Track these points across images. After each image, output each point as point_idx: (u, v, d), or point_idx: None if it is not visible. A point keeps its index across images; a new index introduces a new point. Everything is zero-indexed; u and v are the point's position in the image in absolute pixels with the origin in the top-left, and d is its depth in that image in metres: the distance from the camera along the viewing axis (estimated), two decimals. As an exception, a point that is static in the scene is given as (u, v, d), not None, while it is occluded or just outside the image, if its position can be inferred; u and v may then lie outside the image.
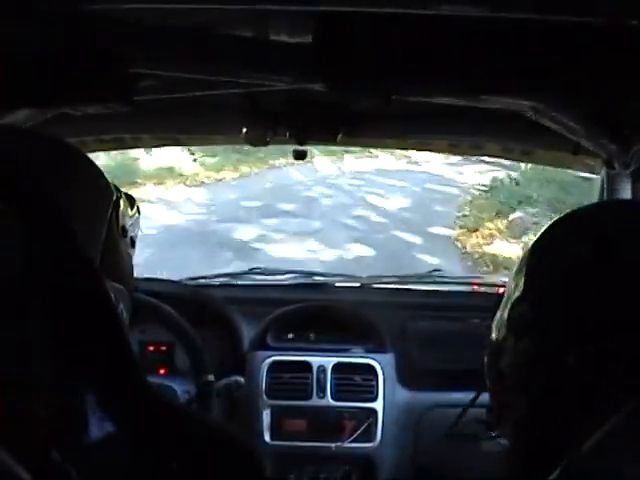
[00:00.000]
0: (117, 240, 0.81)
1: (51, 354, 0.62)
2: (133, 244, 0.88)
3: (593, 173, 1.77)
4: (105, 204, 0.80)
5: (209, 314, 2.12)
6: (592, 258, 0.77)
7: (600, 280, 0.75)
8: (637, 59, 1.05)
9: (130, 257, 0.88)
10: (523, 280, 0.82)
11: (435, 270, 2.54)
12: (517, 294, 0.82)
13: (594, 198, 1.71)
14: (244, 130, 1.62)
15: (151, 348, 2.01)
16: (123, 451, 0.66)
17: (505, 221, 9.12)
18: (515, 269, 0.86)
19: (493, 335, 0.87)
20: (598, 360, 0.71)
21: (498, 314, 0.87)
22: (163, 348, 2.01)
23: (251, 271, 2.52)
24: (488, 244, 8.37)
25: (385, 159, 12.98)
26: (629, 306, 0.73)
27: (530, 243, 0.86)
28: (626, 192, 1.57)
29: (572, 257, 0.79)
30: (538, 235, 0.86)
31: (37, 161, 0.69)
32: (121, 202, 0.84)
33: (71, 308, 0.62)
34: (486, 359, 0.90)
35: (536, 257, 0.84)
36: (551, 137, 1.50)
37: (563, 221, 0.87)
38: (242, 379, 2.05)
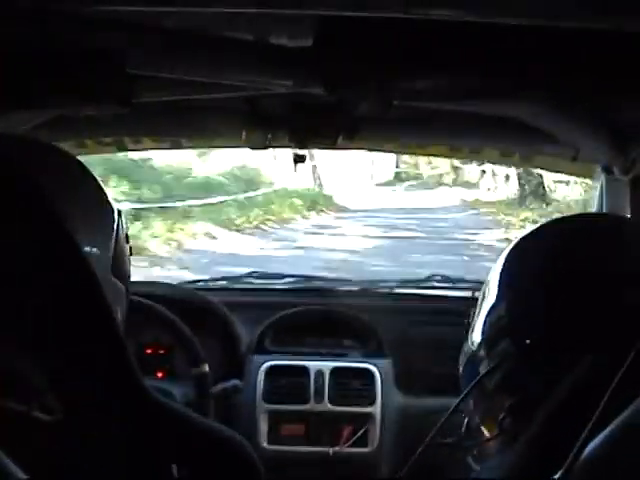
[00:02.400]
0: (123, 244, 0.90)
1: (50, 355, 0.62)
2: (131, 252, 0.96)
3: (592, 179, 1.77)
4: (112, 211, 0.89)
5: (207, 318, 2.11)
6: (564, 269, 0.81)
7: (568, 289, 0.79)
8: (636, 65, 1.05)
9: (130, 262, 0.95)
10: (497, 286, 0.85)
11: (435, 275, 2.54)
12: (490, 301, 0.85)
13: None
14: (244, 133, 1.62)
15: (149, 351, 2.00)
16: (121, 453, 0.66)
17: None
18: (488, 278, 0.89)
19: (469, 344, 0.89)
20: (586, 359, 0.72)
21: (472, 324, 0.89)
22: (161, 351, 2.01)
23: (250, 275, 2.52)
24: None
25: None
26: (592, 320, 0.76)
27: (503, 253, 0.90)
28: (625, 198, 1.57)
29: (547, 266, 0.83)
30: (511, 245, 0.90)
31: (48, 177, 0.74)
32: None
33: (69, 308, 0.62)
34: (462, 368, 0.91)
35: (510, 266, 0.87)
36: (550, 143, 1.50)
37: (537, 232, 0.91)
38: (240, 383, 2.05)
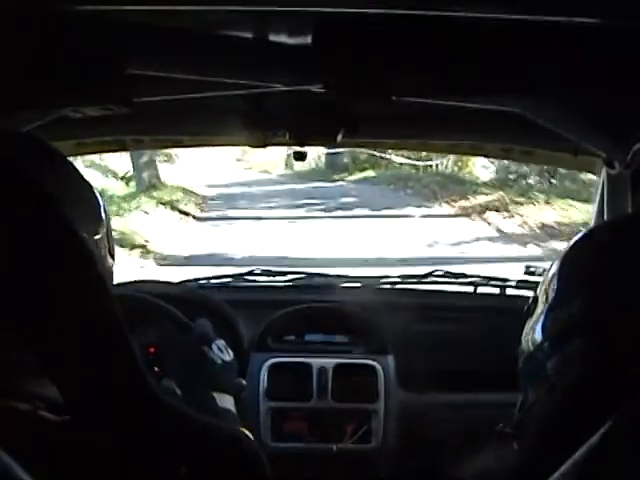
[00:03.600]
0: (110, 225, 0.97)
1: (56, 355, 0.62)
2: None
3: (593, 173, 1.77)
4: (98, 197, 0.95)
5: (210, 316, 2.11)
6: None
7: None
8: (636, 59, 1.05)
9: None
10: (561, 287, 0.83)
11: (436, 270, 2.54)
12: (556, 301, 0.83)
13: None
14: (244, 132, 1.63)
15: (152, 350, 2.00)
16: (129, 453, 0.66)
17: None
18: (549, 276, 0.87)
19: (529, 343, 0.86)
20: None
21: (530, 325, 0.87)
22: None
23: (251, 272, 2.52)
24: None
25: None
26: None
27: (564, 251, 0.88)
28: (626, 192, 1.57)
29: (621, 262, 0.79)
30: (572, 242, 0.88)
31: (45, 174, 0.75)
32: None
33: (75, 308, 0.62)
34: (521, 364, 0.89)
35: (578, 263, 0.85)
36: (551, 137, 1.50)
37: (603, 228, 0.89)
38: (243, 381, 2.05)
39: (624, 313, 0.74)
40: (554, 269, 0.86)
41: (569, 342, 0.80)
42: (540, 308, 0.86)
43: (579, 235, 0.90)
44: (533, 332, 0.86)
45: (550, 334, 0.83)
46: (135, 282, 2.10)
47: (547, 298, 0.85)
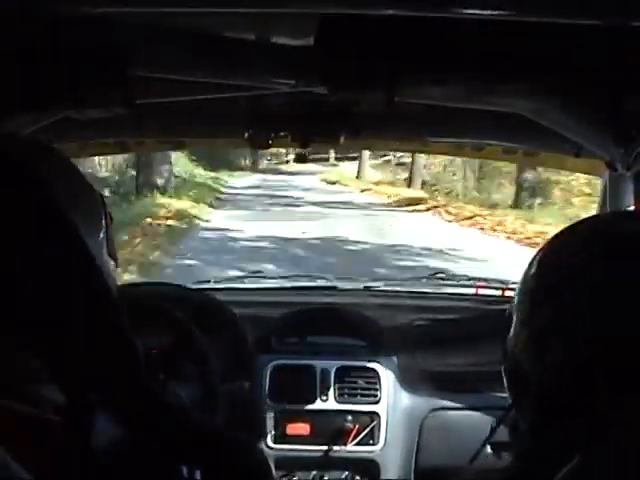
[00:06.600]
0: (110, 225, 0.94)
1: (58, 355, 0.62)
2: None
3: (595, 175, 1.77)
4: (99, 196, 0.93)
5: (214, 318, 2.11)
6: (604, 270, 0.76)
7: (616, 293, 0.74)
8: (638, 60, 1.05)
9: None
10: (540, 288, 0.81)
11: (438, 272, 2.55)
12: (534, 304, 0.81)
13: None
14: (246, 133, 1.63)
15: (155, 351, 2.00)
16: (129, 454, 0.66)
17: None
18: (521, 286, 0.84)
19: (513, 350, 0.84)
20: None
21: (514, 334, 0.85)
22: (168, 351, 2.01)
23: (254, 274, 2.53)
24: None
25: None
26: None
27: (535, 258, 0.85)
28: (629, 194, 1.56)
29: (589, 270, 0.77)
30: (541, 249, 0.85)
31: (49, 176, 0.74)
32: None
33: (79, 310, 0.62)
34: (504, 367, 0.88)
35: (557, 264, 0.82)
36: (553, 139, 1.50)
37: (570, 233, 0.85)
38: (247, 383, 2.05)
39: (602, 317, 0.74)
40: (533, 269, 0.83)
41: (548, 345, 0.78)
42: (520, 309, 0.84)
43: (553, 235, 0.86)
44: (514, 333, 0.84)
45: (530, 335, 0.81)
46: (149, 284, 2.10)
47: (526, 299, 0.83)
